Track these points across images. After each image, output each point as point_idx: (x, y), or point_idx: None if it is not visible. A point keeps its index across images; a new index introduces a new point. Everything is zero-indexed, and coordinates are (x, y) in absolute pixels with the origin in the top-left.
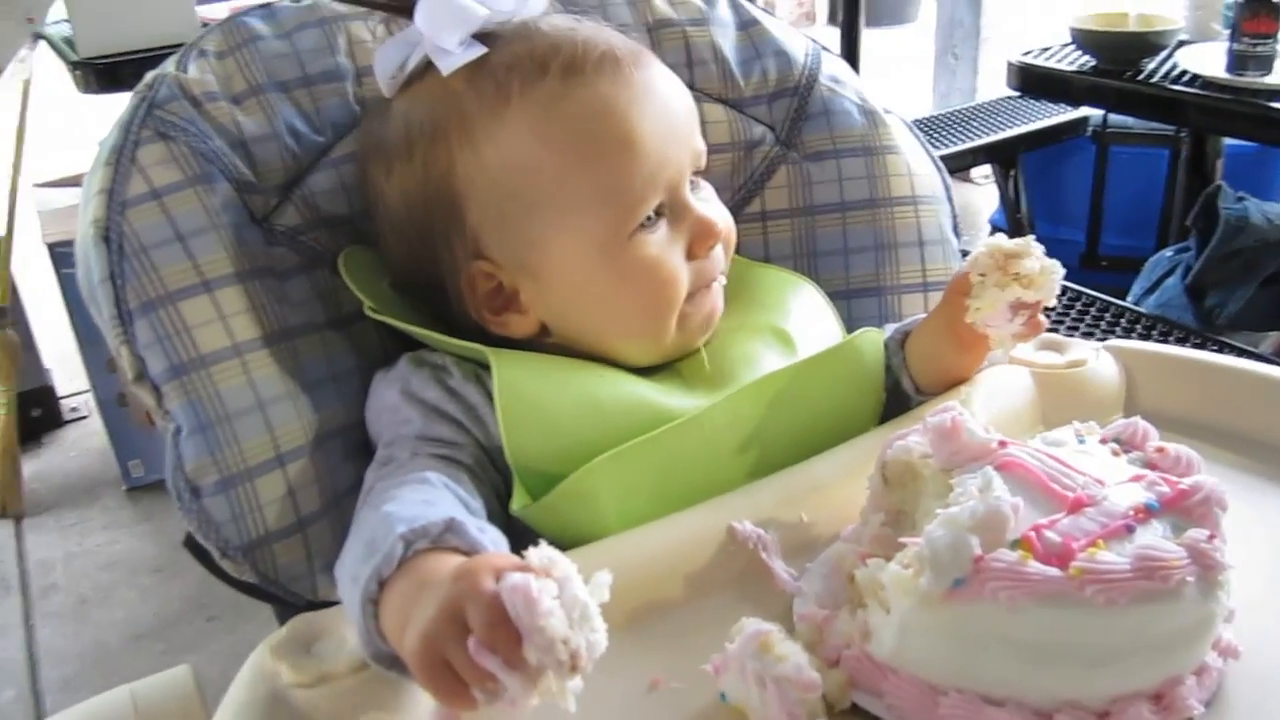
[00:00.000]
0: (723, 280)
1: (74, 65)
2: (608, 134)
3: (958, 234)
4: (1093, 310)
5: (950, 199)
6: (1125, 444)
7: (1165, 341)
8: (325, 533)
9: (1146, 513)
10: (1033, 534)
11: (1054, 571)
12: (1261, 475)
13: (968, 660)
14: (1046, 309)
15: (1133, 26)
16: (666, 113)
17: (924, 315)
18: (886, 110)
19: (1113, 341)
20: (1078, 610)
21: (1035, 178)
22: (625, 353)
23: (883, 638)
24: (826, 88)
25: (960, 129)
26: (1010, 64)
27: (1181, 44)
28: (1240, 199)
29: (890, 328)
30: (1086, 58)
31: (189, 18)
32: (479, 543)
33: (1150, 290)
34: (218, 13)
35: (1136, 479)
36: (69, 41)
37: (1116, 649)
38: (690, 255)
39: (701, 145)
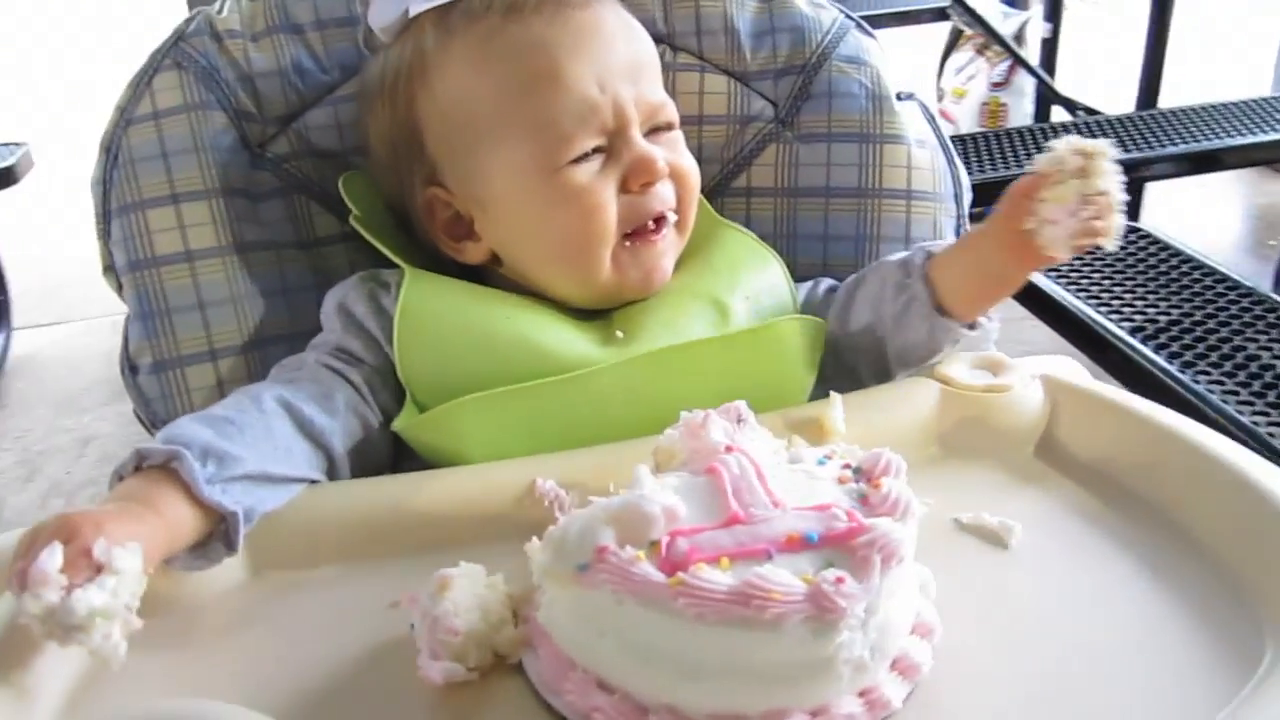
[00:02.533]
0: (674, 239)
1: None
2: (536, 69)
3: (959, 236)
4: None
5: (958, 199)
6: (864, 474)
7: None
8: None
9: (802, 543)
10: (670, 538)
11: (658, 577)
12: (1139, 544)
13: (590, 642)
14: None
15: None
16: (606, 56)
17: (951, 239)
18: (904, 98)
19: (1051, 372)
20: (670, 619)
21: None
22: (562, 287)
23: (541, 604)
24: (837, 68)
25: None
26: None
27: None
28: None
29: (916, 249)
30: None
31: None
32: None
33: None
34: None
35: (821, 508)
36: None
37: (706, 666)
38: (623, 188)
39: (659, 97)
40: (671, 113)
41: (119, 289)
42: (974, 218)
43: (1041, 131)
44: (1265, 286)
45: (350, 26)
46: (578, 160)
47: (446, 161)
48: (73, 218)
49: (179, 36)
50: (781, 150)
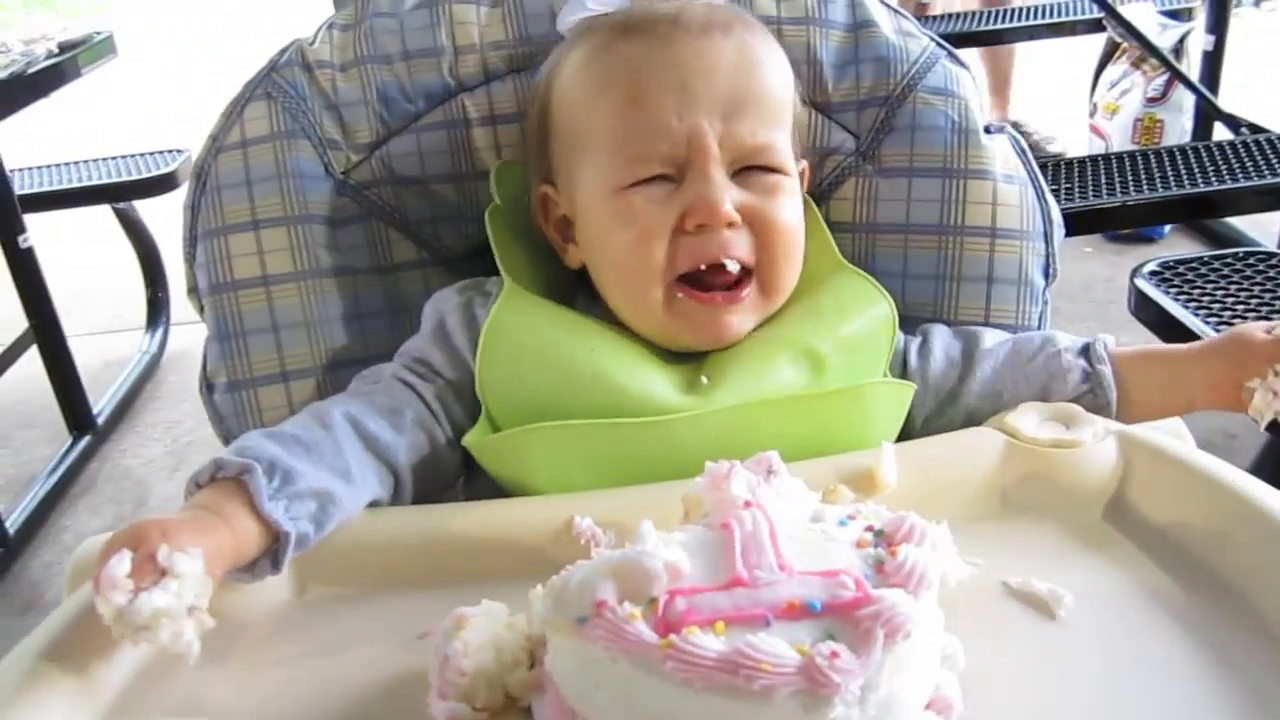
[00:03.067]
0: (754, 299)
1: None
2: (620, 86)
3: (1049, 276)
4: None
5: (1048, 238)
6: (885, 538)
7: None
8: None
9: (804, 611)
10: (668, 597)
11: (650, 637)
12: (1203, 623)
13: (587, 693)
14: None
15: None
16: (698, 86)
17: (1152, 347)
18: (994, 130)
19: (1127, 430)
20: (659, 681)
21: None
22: (627, 316)
23: (547, 650)
24: (922, 99)
25: None
26: None
27: None
28: None
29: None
30: None
31: None
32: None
33: None
34: None
35: (829, 574)
36: None
37: None
38: (678, 228)
39: (759, 139)
40: (775, 157)
41: (200, 311)
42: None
43: (1204, 150)
44: None
45: (435, 57)
46: (641, 184)
47: (558, 161)
48: None
49: (272, 67)
50: (861, 184)
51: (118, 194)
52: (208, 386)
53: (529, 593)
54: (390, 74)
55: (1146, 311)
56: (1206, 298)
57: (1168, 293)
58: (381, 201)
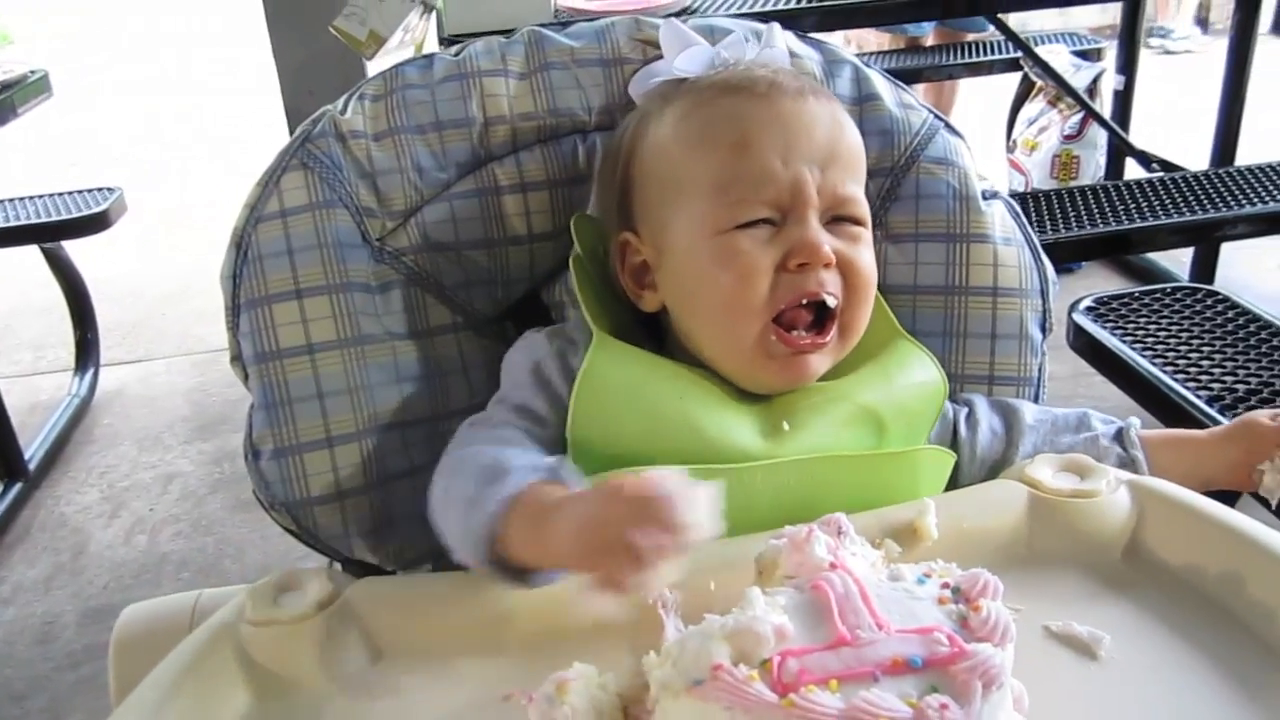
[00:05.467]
0: (835, 341)
1: (441, 40)
2: (727, 135)
3: (1045, 330)
4: None
5: (1044, 294)
6: (963, 595)
7: None
8: (364, 506)
9: (906, 667)
10: (781, 658)
11: (771, 697)
12: (1228, 656)
13: None
14: None
15: None
16: (803, 144)
17: (1173, 432)
18: (990, 196)
19: (1138, 479)
20: None
21: None
22: (715, 352)
23: (653, 708)
24: (925, 169)
25: None
26: None
27: None
28: None
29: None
30: None
31: (545, 5)
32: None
33: None
34: (576, 0)
35: (925, 632)
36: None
37: None
38: (782, 265)
39: (848, 192)
40: (861, 210)
41: (245, 379)
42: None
43: (1122, 188)
44: None
45: (466, 127)
46: (745, 226)
47: (641, 209)
48: (156, 258)
49: (305, 138)
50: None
51: (47, 234)
52: (254, 453)
53: (643, 659)
54: (423, 143)
55: (1083, 344)
56: (1139, 331)
57: (1104, 327)
58: (417, 267)
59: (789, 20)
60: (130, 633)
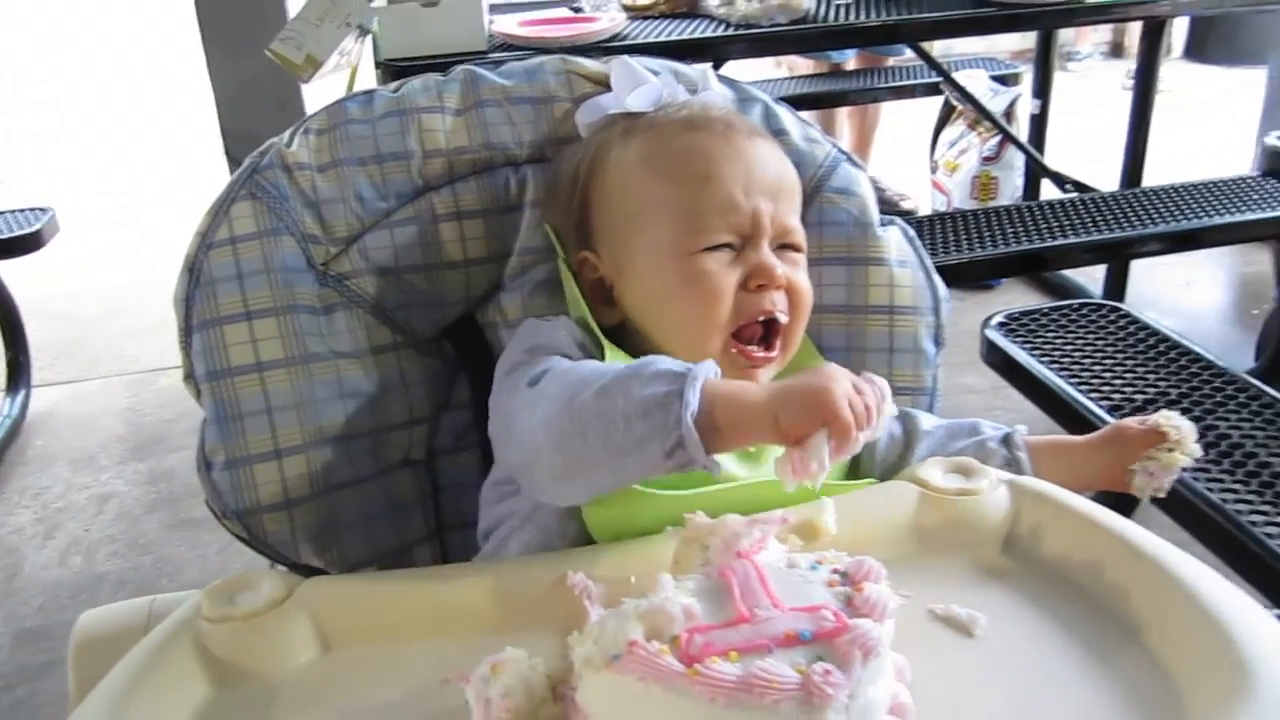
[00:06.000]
0: (776, 355)
1: (377, 64)
2: (695, 168)
3: (938, 344)
4: None
5: (937, 311)
6: (849, 578)
7: None
8: (311, 514)
9: (797, 640)
10: (688, 634)
11: (679, 667)
12: (1088, 634)
13: (618, 717)
14: None
15: None
16: (757, 178)
17: (1056, 438)
18: (887, 223)
19: (1017, 478)
20: (689, 702)
21: None
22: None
23: (577, 685)
24: (827, 199)
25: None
26: (1264, 145)
27: None
28: None
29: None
30: None
31: (478, 30)
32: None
33: None
34: (508, 25)
35: (814, 609)
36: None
37: None
38: (742, 286)
39: (792, 222)
40: (800, 238)
41: (198, 395)
42: (967, 286)
43: (1037, 208)
44: (1249, 354)
45: (405, 160)
46: (709, 249)
47: (602, 232)
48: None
49: (254, 169)
50: None
51: None
52: (206, 465)
53: (567, 639)
54: (365, 175)
55: (995, 358)
56: (1048, 345)
57: (1014, 342)
58: (359, 290)
59: (720, 46)
60: (88, 636)
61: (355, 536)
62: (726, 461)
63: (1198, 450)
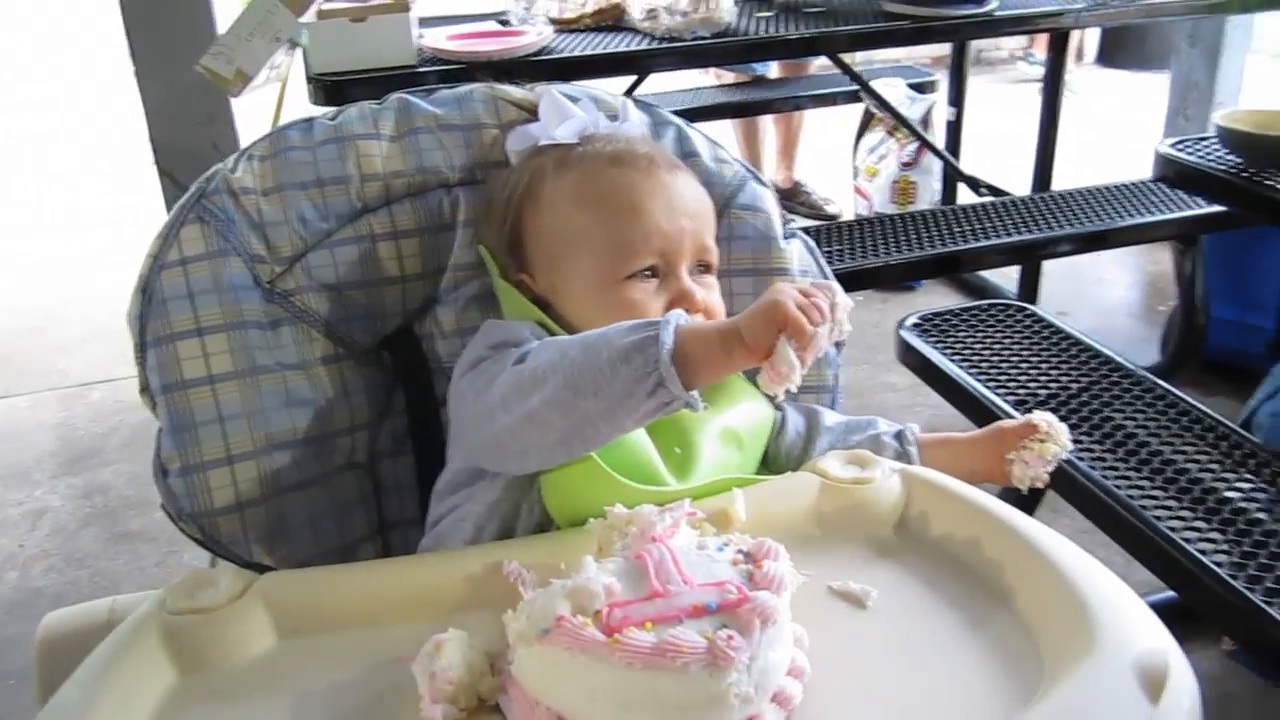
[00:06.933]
0: None
1: (308, 78)
2: (622, 201)
3: (839, 346)
4: (1196, 428)
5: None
6: (751, 557)
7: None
8: (261, 516)
9: (704, 610)
10: (609, 609)
11: (601, 638)
12: (966, 602)
13: (551, 686)
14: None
15: None
16: (678, 207)
17: (945, 434)
18: (789, 236)
19: (906, 467)
20: (609, 667)
21: (1223, 258)
22: None
23: (513, 659)
24: (735, 215)
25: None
26: (1157, 152)
27: None
28: None
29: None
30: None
31: (407, 45)
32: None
33: (1271, 397)
34: (437, 40)
35: (719, 584)
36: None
37: (636, 701)
38: (665, 310)
39: (708, 242)
40: (714, 258)
41: (153, 407)
42: (888, 288)
43: (954, 212)
44: (1154, 348)
45: (344, 184)
46: (635, 276)
47: (537, 257)
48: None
49: (201, 194)
50: None
51: None
52: (162, 471)
53: (503, 616)
54: (306, 198)
55: (910, 358)
56: (960, 345)
57: (928, 342)
58: (304, 306)
59: (645, 60)
60: (53, 635)
61: (303, 536)
62: (650, 453)
63: (1068, 441)
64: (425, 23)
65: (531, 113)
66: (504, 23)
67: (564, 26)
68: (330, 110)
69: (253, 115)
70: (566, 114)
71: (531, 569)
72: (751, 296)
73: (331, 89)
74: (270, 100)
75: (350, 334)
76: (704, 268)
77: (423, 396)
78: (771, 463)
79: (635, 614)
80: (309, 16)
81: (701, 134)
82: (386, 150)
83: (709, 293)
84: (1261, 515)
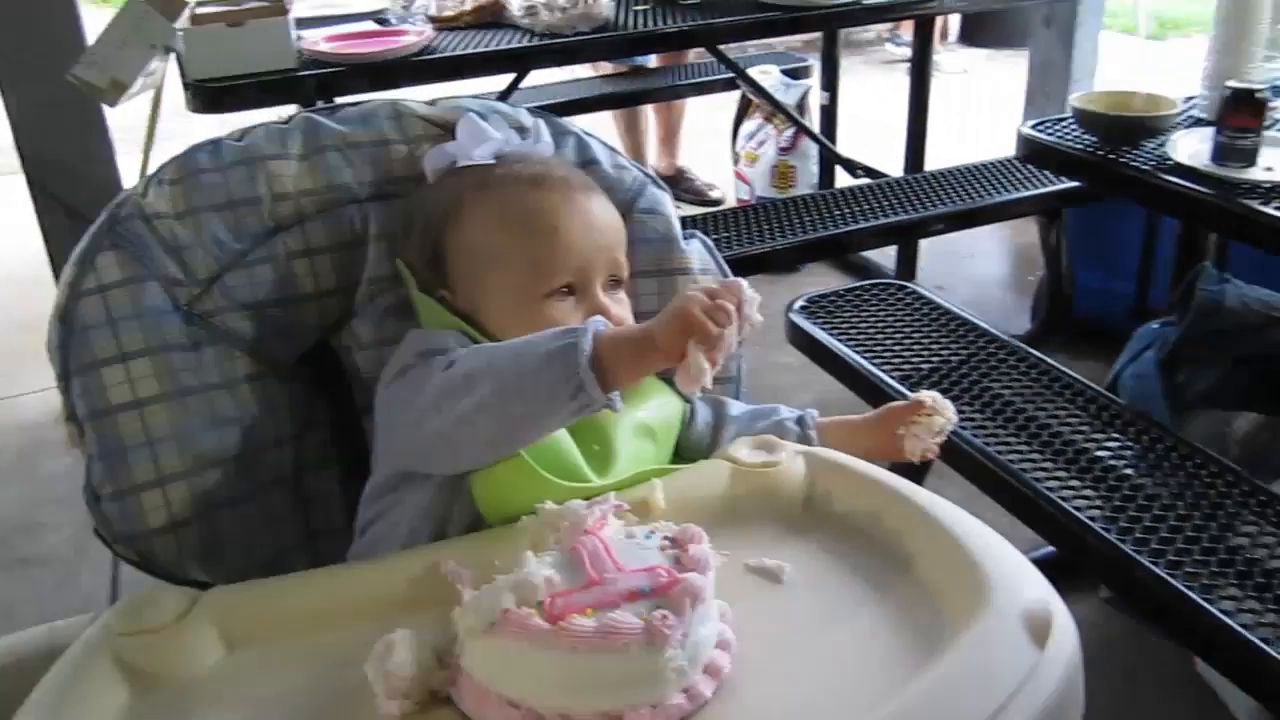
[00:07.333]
0: None
1: (185, 85)
2: (543, 224)
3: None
4: (1067, 393)
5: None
6: (677, 543)
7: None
8: (195, 534)
9: (639, 594)
10: (551, 599)
11: (546, 626)
12: (871, 570)
13: (501, 675)
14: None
15: (1137, 108)
16: (593, 227)
17: (842, 417)
18: (689, 237)
19: (809, 449)
20: (555, 652)
21: (1086, 229)
22: None
23: (462, 652)
24: (637, 219)
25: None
26: (1019, 132)
27: (1200, 122)
28: (1223, 279)
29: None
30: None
31: (286, 48)
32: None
33: (1133, 360)
34: (316, 43)
35: (650, 569)
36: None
37: (582, 681)
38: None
39: (621, 260)
40: (625, 273)
41: (80, 434)
42: (773, 270)
43: (834, 196)
44: (1026, 317)
45: (256, 204)
46: (553, 294)
47: (458, 275)
48: None
49: (114, 220)
50: None
51: None
52: (95, 497)
53: (451, 613)
54: (219, 219)
55: (800, 339)
56: (846, 324)
57: (816, 323)
58: (223, 326)
59: (530, 58)
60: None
61: (236, 550)
62: (573, 451)
63: (953, 415)
64: (302, 24)
65: (442, 128)
66: (382, 22)
67: (444, 24)
68: (234, 131)
69: (128, 124)
70: (484, 136)
71: (468, 566)
72: (656, 296)
73: (211, 95)
74: (145, 108)
75: (271, 351)
76: (616, 282)
77: (345, 408)
78: (683, 452)
79: (576, 602)
80: (182, 21)
81: (600, 142)
82: (296, 170)
83: (622, 306)
84: (1129, 471)
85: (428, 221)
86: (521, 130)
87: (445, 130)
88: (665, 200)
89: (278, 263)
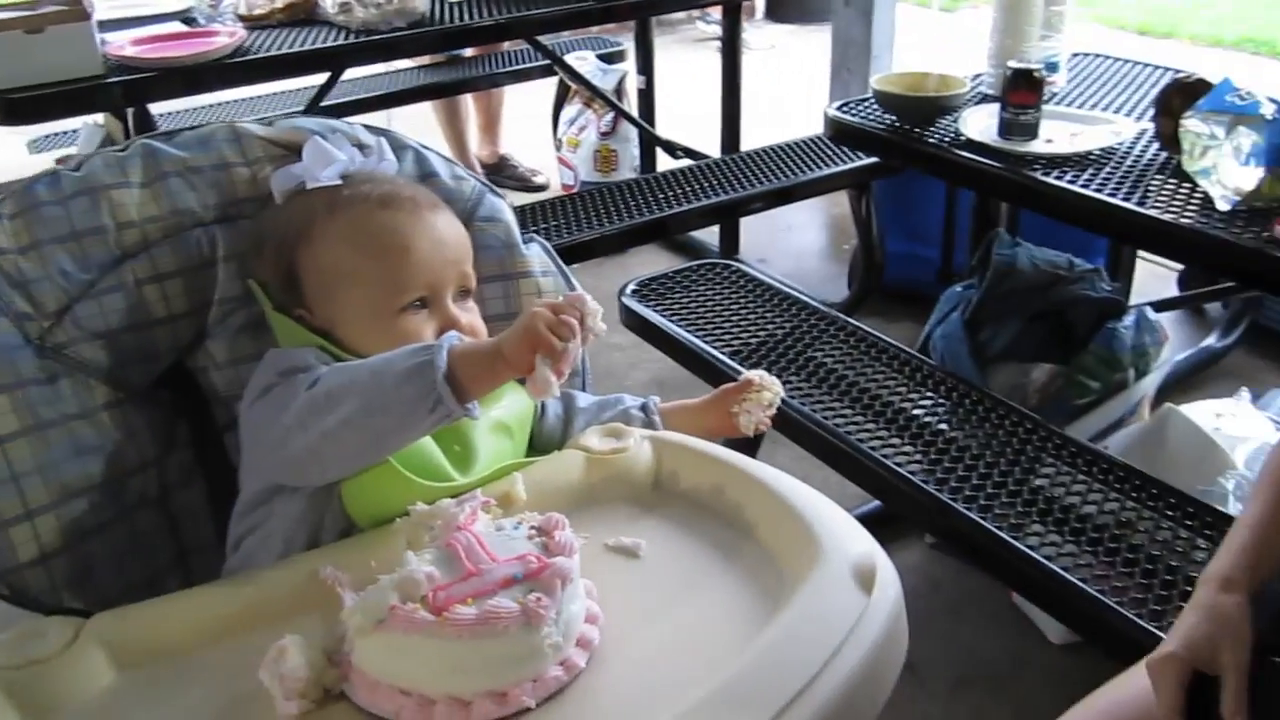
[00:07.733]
0: None
1: None
2: (393, 243)
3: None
4: (883, 357)
5: None
6: (543, 531)
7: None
8: (66, 563)
9: (513, 581)
10: (433, 593)
11: (432, 618)
12: (718, 537)
13: (390, 666)
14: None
15: (931, 88)
16: (440, 242)
17: (681, 402)
18: (528, 241)
19: (654, 433)
20: (441, 641)
21: (893, 200)
22: None
23: (352, 649)
24: (478, 227)
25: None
26: (825, 114)
27: (988, 98)
28: (1015, 244)
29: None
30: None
31: (91, 54)
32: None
33: (941, 321)
34: (122, 47)
35: (521, 557)
36: None
37: (468, 664)
38: (436, 336)
39: (469, 271)
40: (473, 283)
41: None
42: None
43: (658, 179)
44: (843, 284)
45: (101, 234)
46: (407, 309)
47: (314, 293)
48: None
49: None
50: None
51: None
52: None
53: (341, 613)
54: (65, 251)
55: (633, 322)
56: (676, 305)
57: (648, 305)
58: (77, 357)
59: (347, 56)
60: None
61: (108, 575)
62: (440, 456)
63: (780, 389)
64: (105, 27)
65: (284, 148)
66: (190, 21)
67: (254, 23)
68: (69, 160)
69: None
70: (329, 158)
71: (346, 570)
72: (501, 300)
73: (11, 106)
74: None
75: (127, 377)
76: (465, 293)
77: (205, 427)
78: (537, 445)
79: (456, 593)
80: None
81: (437, 154)
82: (139, 197)
83: (471, 315)
84: (942, 426)
85: (280, 243)
86: (363, 148)
87: (287, 150)
88: (503, 207)
89: (127, 290)
